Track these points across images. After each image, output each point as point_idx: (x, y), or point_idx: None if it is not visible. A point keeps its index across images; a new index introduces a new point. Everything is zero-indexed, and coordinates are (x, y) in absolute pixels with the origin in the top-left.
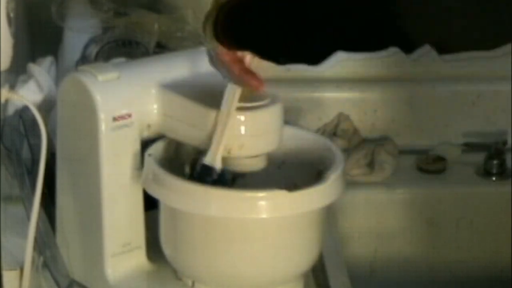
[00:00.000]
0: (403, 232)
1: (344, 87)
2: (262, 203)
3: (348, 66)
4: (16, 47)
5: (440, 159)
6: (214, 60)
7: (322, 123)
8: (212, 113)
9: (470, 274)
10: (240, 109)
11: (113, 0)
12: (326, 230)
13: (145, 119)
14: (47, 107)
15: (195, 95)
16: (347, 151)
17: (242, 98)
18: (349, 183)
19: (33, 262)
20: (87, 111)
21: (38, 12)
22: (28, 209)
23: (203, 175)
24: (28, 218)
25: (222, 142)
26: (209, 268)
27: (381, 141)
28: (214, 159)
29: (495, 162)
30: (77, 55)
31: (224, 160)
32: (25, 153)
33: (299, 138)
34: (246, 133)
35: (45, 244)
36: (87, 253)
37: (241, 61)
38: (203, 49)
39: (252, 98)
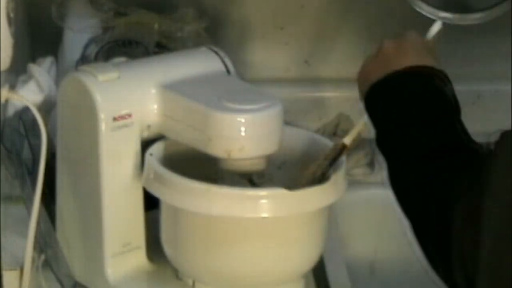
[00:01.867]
0: (403, 232)
1: (344, 87)
2: (263, 202)
3: (348, 66)
4: (16, 47)
5: None
6: None
7: (322, 123)
8: (212, 114)
9: None
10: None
11: (113, 0)
12: (327, 230)
13: (145, 119)
14: (47, 107)
15: (195, 95)
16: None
17: None
18: (349, 183)
19: (33, 262)
20: (87, 111)
21: (38, 12)
22: (29, 209)
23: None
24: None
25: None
26: (210, 267)
27: None
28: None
29: None
30: (77, 55)
31: (224, 161)
32: (26, 153)
33: (299, 138)
34: (246, 135)
35: (47, 244)
36: (87, 253)
37: None
38: (203, 49)
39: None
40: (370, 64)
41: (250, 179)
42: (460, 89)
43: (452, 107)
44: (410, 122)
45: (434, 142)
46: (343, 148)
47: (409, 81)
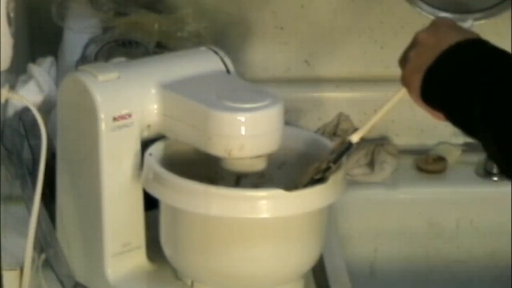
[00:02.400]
0: (403, 232)
1: (344, 87)
2: (263, 202)
3: (348, 66)
4: (16, 47)
5: (440, 159)
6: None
7: (322, 123)
8: (212, 113)
9: (470, 274)
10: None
11: (113, 0)
12: (327, 230)
13: (145, 119)
14: (47, 107)
15: (195, 94)
16: None
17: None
18: (349, 183)
19: (33, 262)
20: (87, 111)
21: (38, 12)
22: (29, 209)
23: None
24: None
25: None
26: (209, 268)
27: (381, 141)
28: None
29: None
30: (77, 55)
31: (224, 161)
32: (26, 153)
33: (299, 138)
34: (246, 134)
35: (48, 244)
36: (87, 253)
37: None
38: (203, 49)
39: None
40: (413, 59)
41: (237, 179)
42: None
43: None
44: (498, 83)
45: None
46: (350, 145)
47: (468, 51)
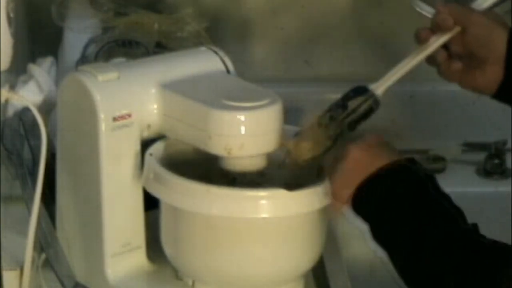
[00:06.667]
0: None
1: (344, 87)
2: (263, 202)
3: (348, 66)
4: (16, 47)
5: (440, 159)
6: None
7: None
8: (212, 112)
9: None
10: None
11: (113, 0)
12: (327, 230)
13: (145, 119)
14: (47, 107)
15: (195, 94)
16: None
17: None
18: None
19: (33, 262)
20: (87, 111)
21: (38, 12)
22: (30, 210)
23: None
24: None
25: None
26: (209, 267)
27: None
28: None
29: (495, 162)
30: (77, 55)
31: (224, 160)
32: (26, 153)
33: None
34: (246, 133)
35: (48, 244)
36: (87, 253)
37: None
38: (203, 49)
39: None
40: (344, 173)
41: (233, 179)
42: (460, 89)
43: (442, 194)
44: (414, 215)
45: (442, 233)
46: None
47: (394, 177)
